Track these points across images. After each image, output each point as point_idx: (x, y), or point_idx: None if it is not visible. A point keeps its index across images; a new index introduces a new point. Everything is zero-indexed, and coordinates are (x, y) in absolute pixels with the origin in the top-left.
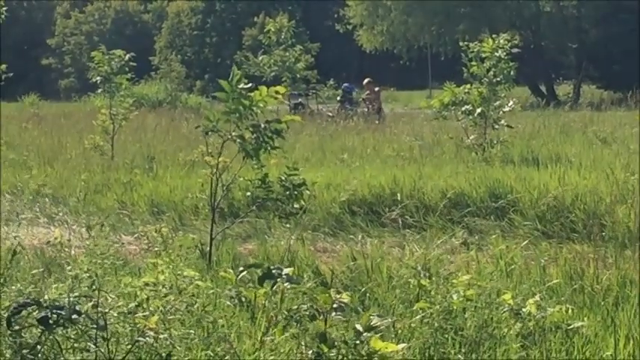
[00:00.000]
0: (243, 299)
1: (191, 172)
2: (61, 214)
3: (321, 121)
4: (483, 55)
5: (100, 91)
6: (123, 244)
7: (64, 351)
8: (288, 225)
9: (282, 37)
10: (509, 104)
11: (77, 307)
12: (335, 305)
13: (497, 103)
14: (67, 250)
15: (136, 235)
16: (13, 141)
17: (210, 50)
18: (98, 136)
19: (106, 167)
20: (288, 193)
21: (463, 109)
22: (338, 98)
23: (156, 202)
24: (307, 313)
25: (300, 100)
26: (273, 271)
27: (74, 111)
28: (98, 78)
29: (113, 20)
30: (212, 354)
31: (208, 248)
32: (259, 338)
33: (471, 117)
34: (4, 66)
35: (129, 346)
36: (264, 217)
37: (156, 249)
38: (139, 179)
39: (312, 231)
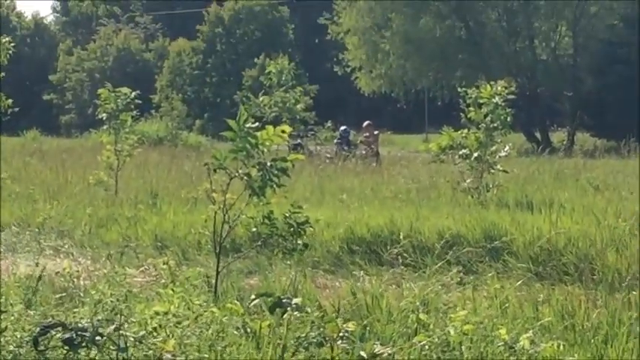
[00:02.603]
0: (249, 330)
1: (193, 208)
2: (66, 246)
3: (320, 162)
4: (481, 101)
5: (105, 127)
6: (129, 276)
7: None
8: (288, 262)
9: (283, 78)
10: (506, 149)
11: (100, 330)
12: (341, 334)
13: (494, 148)
14: (75, 280)
15: (141, 269)
16: (17, 174)
17: (210, 90)
18: (102, 172)
19: (110, 202)
20: (292, 229)
21: (460, 153)
22: (335, 141)
23: (160, 237)
24: (315, 340)
25: (299, 140)
26: (284, 301)
27: (75, 146)
28: (104, 115)
29: (115, 58)
30: None
31: (214, 281)
32: None
33: (467, 161)
34: (10, 101)
35: None
36: (265, 253)
37: (162, 281)
38: (142, 214)
39: (311, 268)
